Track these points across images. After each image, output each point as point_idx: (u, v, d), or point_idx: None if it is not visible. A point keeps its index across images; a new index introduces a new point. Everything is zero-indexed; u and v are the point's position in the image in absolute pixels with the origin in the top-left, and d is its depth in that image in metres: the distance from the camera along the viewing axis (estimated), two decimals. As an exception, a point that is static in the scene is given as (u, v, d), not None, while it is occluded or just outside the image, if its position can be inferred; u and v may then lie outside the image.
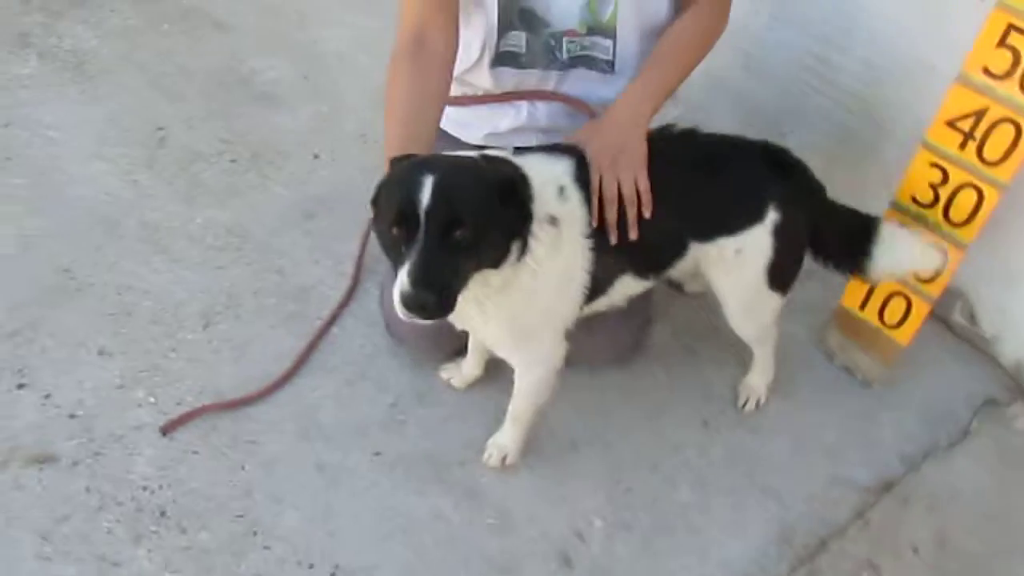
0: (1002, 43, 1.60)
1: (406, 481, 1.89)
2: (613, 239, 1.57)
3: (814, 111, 2.26)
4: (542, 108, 1.89)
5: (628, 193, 1.55)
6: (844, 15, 2.08)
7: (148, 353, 2.10)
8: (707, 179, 1.64)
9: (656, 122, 1.73)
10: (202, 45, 3.02)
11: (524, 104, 1.89)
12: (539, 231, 1.50)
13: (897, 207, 1.87)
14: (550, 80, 1.85)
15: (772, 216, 1.64)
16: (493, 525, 1.83)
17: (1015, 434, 2.04)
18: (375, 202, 1.43)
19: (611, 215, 1.56)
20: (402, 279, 1.30)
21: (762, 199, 1.64)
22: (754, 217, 1.64)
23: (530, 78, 1.84)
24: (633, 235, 1.58)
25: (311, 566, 1.75)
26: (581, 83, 1.84)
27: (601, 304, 1.73)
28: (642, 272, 1.71)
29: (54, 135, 2.66)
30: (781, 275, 1.71)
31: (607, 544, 1.81)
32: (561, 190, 1.54)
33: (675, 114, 1.98)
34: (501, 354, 1.71)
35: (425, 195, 1.30)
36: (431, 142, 1.61)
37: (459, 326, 1.67)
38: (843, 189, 2.12)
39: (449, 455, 1.94)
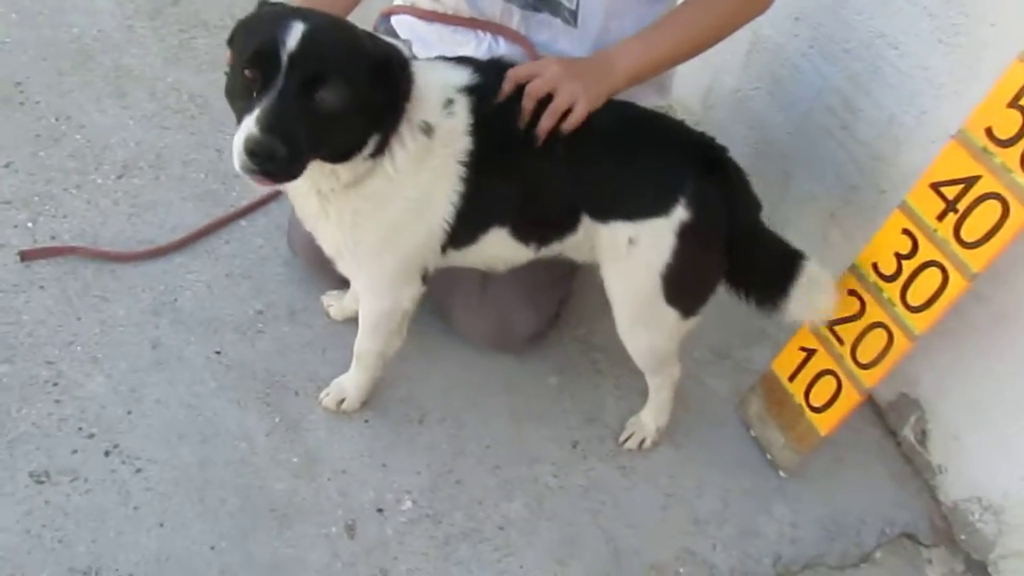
0: (1014, 103, 1.32)
1: (232, 389, 1.72)
2: (521, 125, 1.39)
3: (825, 158, 1.98)
4: (504, 46, 1.69)
5: (555, 107, 1.38)
6: (877, 54, 1.80)
7: (50, 182, 2.01)
8: (619, 153, 1.42)
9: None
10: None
11: (487, 37, 1.70)
12: (407, 136, 1.34)
13: (855, 271, 1.60)
14: (514, 16, 1.65)
15: (679, 213, 1.40)
16: (295, 465, 1.64)
17: (922, 581, 1.72)
18: (231, 41, 1.28)
19: (528, 104, 1.39)
20: (248, 125, 1.14)
21: (671, 191, 1.40)
22: (657, 208, 1.41)
23: (493, 7, 1.65)
24: (540, 141, 1.40)
25: (90, 436, 1.61)
26: (545, 30, 1.64)
27: (471, 258, 1.53)
28: (521, 232, 1.49)
29: (78, -37, 2.61)
30: (680, 287, 1.46)
31: (405, 528, 1.59)
32: (449, 102, 1.37)
33: (661, 105, 1.77)
34: (342, 269, 1.52)
35: (292, 39, 1.15)
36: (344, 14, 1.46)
37: (305, 225, 1.50)
38: (836, 252, 1.87)
39: (290, 380, 1.77)
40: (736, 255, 1.48)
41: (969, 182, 1.39)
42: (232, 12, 2.60)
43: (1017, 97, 1.32)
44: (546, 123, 1.40)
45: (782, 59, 2.09)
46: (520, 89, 1.44)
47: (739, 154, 1.54)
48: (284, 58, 1.15)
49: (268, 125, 1.13)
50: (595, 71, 1.47)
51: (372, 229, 1.40)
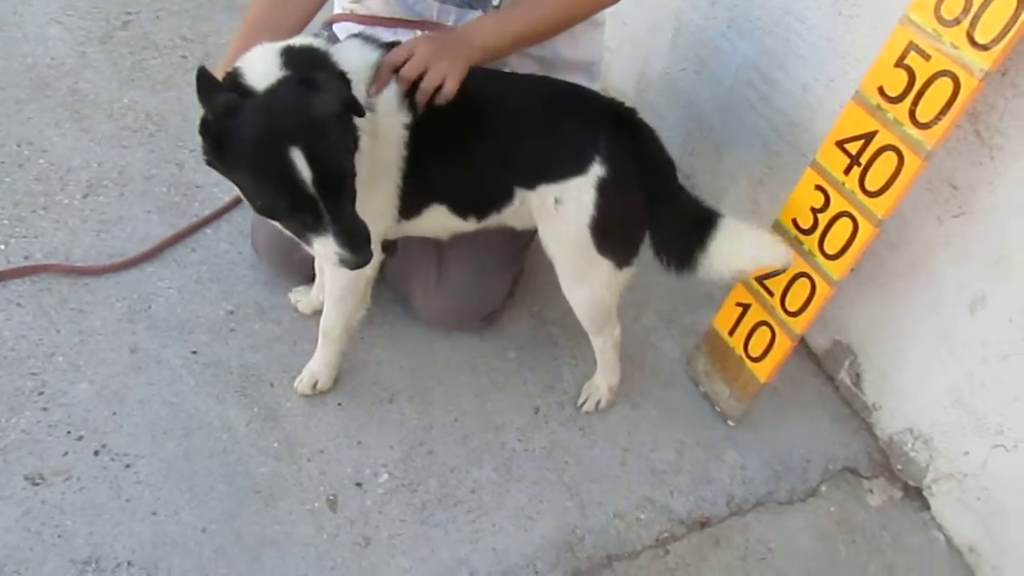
0: (900, 62, 1.47)
1: (210, 386, 1.82)
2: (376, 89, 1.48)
3: (749, 129, 2.13)
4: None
5: (427, 85, 1.47)
6: (787, 28, 1.95)
7: (18, 205, 2.09)
8: (539, 124, 1.55)
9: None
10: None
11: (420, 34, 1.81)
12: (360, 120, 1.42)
13: (778, 228, 1.74)
14: (449, 15, 1.77)
15: (596, 170, 1.53)
16: (276, 450, 1.74)
17: (864, 509, 1.86)
18: (217, 155, 1.31)
19: (403, 87, 1.48)
20: (335, 250, 1.30)
21: (587, 151, 1.53)
22: (576, 168, 1.53)
23: (429, 9, 1.77)
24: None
25: (79, 438, 1.69)
26: (475, 25, 1.75)
27: (420, 228, 1.66)
28: (459, 208, 1.63)
29: (27, -5, 2.69)
30: (608, 236, 1.58)
31: (383, 499, 1.70)
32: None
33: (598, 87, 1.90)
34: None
35: (306, 173, 1.24)
36: (287, 29, 1.55)
37: None
38: (766, 215, 2.00)
39: (264, 373, 1.87)
40: (656, 215, 1.60)
41: (868, 137, 1.54)
42: (181, 32, 2.70)
43: (902, 57, 1.46)
44: (421, 100, 1.48)
45: (704, 40, 2.24)
46: None
47: (673, 132, 1.68)
48: (313, 191, 1.25)
49: (353, 244, 1.30)
50: (456, 45, 1.54)
51: None
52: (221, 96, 1.27)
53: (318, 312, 1.96)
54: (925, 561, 1.81)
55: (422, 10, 1.80)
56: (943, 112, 1.41)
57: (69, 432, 1.70)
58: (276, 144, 1.23)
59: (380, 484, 1.73)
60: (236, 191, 2.13)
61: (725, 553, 1.75)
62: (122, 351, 1.85)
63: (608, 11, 1.77)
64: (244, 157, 1.27)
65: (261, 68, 1.33)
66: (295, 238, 1.36)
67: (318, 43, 1.45)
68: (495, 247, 1.91)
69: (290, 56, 1.37)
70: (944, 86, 1.41)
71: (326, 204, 1.27)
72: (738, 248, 1.57)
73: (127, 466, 1.67)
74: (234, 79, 1.33)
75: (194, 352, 1.88)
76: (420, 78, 1.47)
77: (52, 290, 1.93)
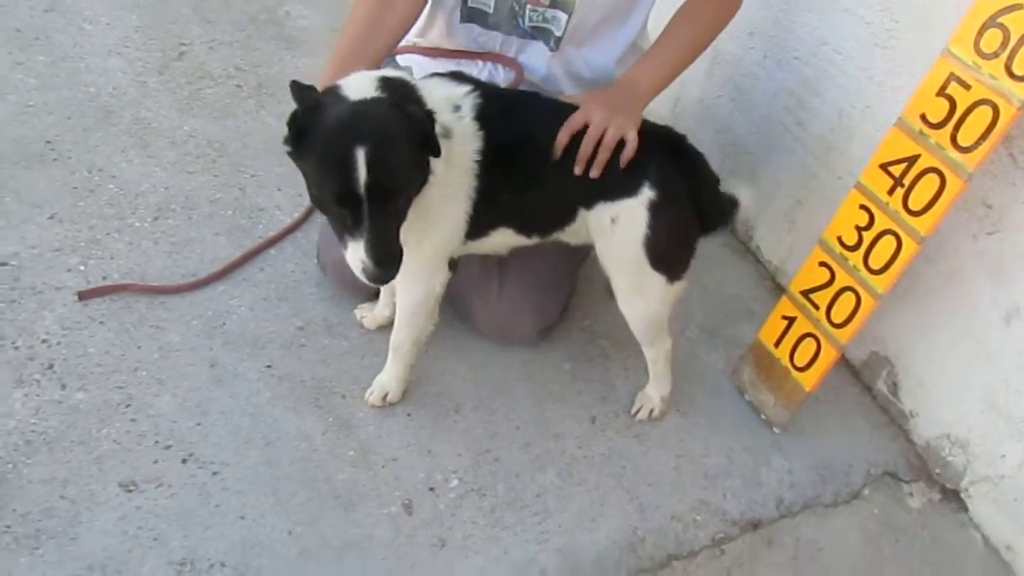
0: (942, 92, 1.59)
1: (286, 398, 1.92)
2: (579, 170, 1.64)
3: (786, 151, 2.25)
4: (502, 72, 1.94)
5: (609, 139, 1.62)
6: (824, 58, 2.08)
7: (93, 228, 2.19)
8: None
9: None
10: (249, -17, 3.18)
11: (487, 65, 1.94)
12: None
13: (823, 245, 1.85)
14: (511, 47, 1.90)
15: (646, 192, 1.65)
16: (352, 457, 1.84)
17: (905, 510, 1.97)
18: (296, 145, 1.44)
19: (587, 149, 1.63)
20: (361, 257, 1.40)
21: (639, 175, 1.65)
22: (629, 190, 1.66)
23: (494, 40, 1.90)
24: (595, 173, 1.64)
25: (167, 447, 1.79)
26: (534, 54, 1.88)
27: (484, 247, 1.77)
28: (525, 229, 1.75)
29: (87, 27, 2.83)
30: (660, 253, 1.70)
31: (455, 503, 1.80)
32: (456, 108, 1.59)
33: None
34: None
35: (361, 172, 1.34)
36: (371, 67, 1.67)
37: None
38: (804, 233, 2.13)
39: (336, 385, 1.97)
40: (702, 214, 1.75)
41: (911, 160, 1.66)
42: (234, 62, 2.82)
43: (943, 87, 1.59)
44: (603, 156, 1.64)
45: (740, 69, 2.37)
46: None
47: (710, 155, 1.79)
48: (363, 192, 1.36)
49: (380, 259, 1.40)
50: (626, 97, 1.73)
51: (416, 227, 1.59)
52: (314, 93, 1.44)
53: (383, 327, 2.08)
54: (964, 560, 1.91)
55: (485, 42, 1.92)
56: (983, 137, 1.54)
57: (157, 442, 1.80)
58: (346, 139, 1.35)
59: (451, 489, 1.83)
60: (299, 213, 2.29)
61: (777, 553, 1.85)
62: (201, 365, 1.95)
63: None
64: (317, 144, 1.39)
65: (359, 86, 1.47)
66: (329, 222, 1.47)
67: (408, 77, 1.57)
68: (552, 265, 2.02)
69: (386, 83, 1.50)
70: (984, 113, 1.53)
71: (370, 210, 1.37)
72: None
73: (214, 473, 1.77)
74: (333, 91, 1.47)
75: (268, 366, 1.98)
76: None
77: (131, 308, 2.03)
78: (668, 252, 1.73)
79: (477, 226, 1.68)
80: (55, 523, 1.62)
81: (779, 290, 2.38)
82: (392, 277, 1.44)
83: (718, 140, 2.46)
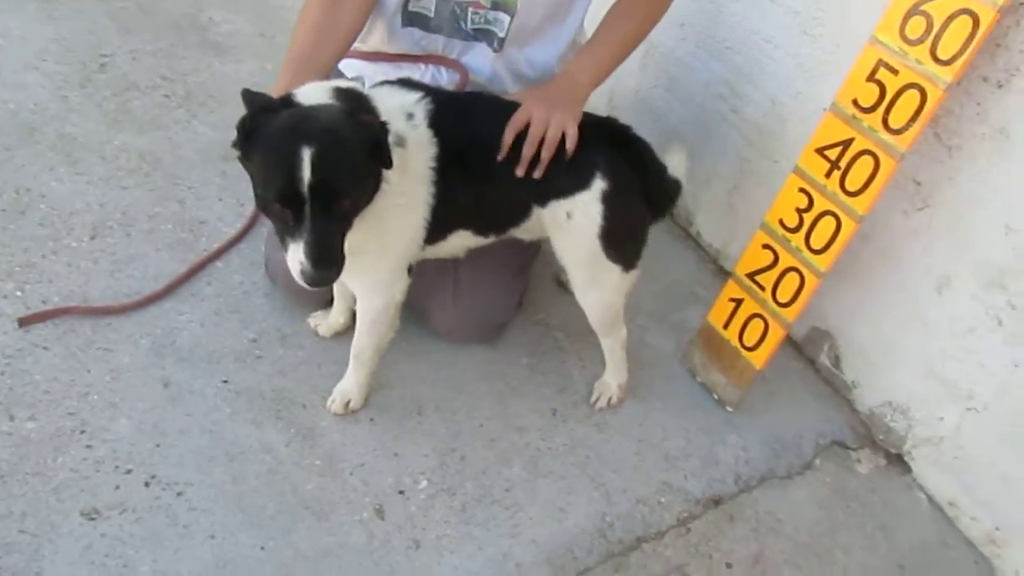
0: (871, 77, 1.67)
1: (246, 412, 1.90)
2: (521, 172, 1.66)
3: (722, 139, 2.32)
4: (445, 75, 1.95)
5: (552, 136, 1.64)
6: (754, 47, 2.16)
7: (27, 251, 2.12)
8: None
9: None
10: (168, -12, 3.10)
11: (430, 68, 1.94)
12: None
13: (765, 228, 1.92)
14: (454, 49, 1.91)
15: (598, 184, 1.69)
16: (318, 467, 1.84)
17: (855, 477, 2.06)
18: (243, 150, 1.43)
19: (529, 151, 1.64)
20: (300, 258, 1.37)
21: (589, 167, 1.69)
22: (581, 184, 1.69)
23: (435, 43, 1.90)
24: (538, 175, 1.67)
25: (128, 471, 1.75)
26: (478, 56, 1.90)
27: (441, 252, 1.78)
28: (483, 229, 1.77)
29: (0, 42, 2.71)
30: (615, 243, 1.74)
31: (426, 504, 1.81)
32: (409, 116, 1.60)
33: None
34: (343, 278, 1.73)
35: (306, 171, 1.33)
36: (323, 75, 1.67)
37: None
38: (742, 217, 2.19)
39: (295, 396, 1.96)
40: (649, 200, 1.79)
41: (846, 144, 1.73)
42: (159, 72, 2.75)
43: (872, 72, 1.67)
44: (546, 155, 1.66)
45: (674, 60, 2.43)
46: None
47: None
48: (305, 191, 1.34)
49: (317, 258, 1.36)
50: (566, 93, 1.75)
51: (375, 238, 1.60)
52: (264, 97, 1.43)
53: (338, 334, 2.07)
54: (912, 519, 2.02)
55: (427, 45, 1.92)
56: (913, 119, 1.62)
57: (117, 467, 1.76)
58: (294, 138, 1.34)
59: (421, 490, 1.84)
60: (242, 223, 2.25)
61: (739, 527, 1.92)
62: (155, 386, 1.91)
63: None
64: (264, 143, 1.38)
65: (312, 95, 1.48)
66: (272, 225, 1.45)
67: (360, 87, 1.57)
68: (505, 263, 2.05)
69: (339, 93, 1.50)
70: (912, 97, 1.61)
71: (312, 210, 1.35)
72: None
73: (179, 494, 1.74)
74: (286, 98, 1.47)
75: (225, 381, 1.95)
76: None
77: (76, 332, 1.97)
78: (623, 242, 1.77)
79: (436, 231, 1.69)
80: (16, 559, 1.57)
81: (722, 273, 2.46)
82: (329, 281, 1.41)
83: (655, 130, 2.51)
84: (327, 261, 1.38)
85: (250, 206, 2.35)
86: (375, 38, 1.93)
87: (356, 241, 1.53)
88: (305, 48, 1.68)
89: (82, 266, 2.12)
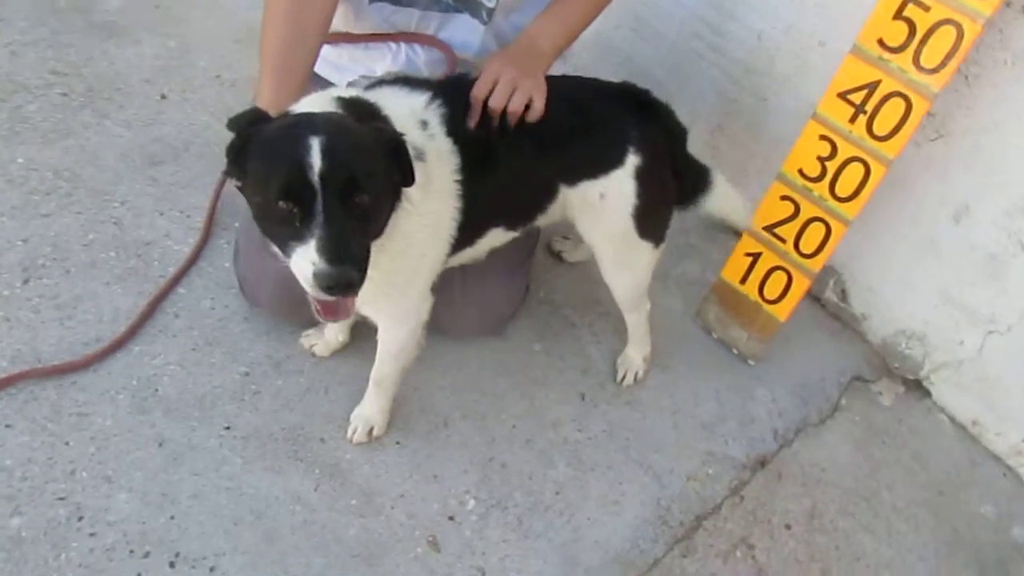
0: (899, 15, 1.57)
1: (260, 459, 1.71)
2: (472, 124, 1.47)
3: (702, 79, 2.20)
4: (421, 54, 1.73)
5: (515, 107, 1.48)
6: (738, -20, 2.02)
7: (-49, 311, 1.81)
8: (570, 125, 1.55)
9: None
10: (30, -38, 2.65)
11: (403, 47, 1.73)
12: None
13: (783, 179, 1.83)
14: (431, 23, 1.70)
15: (632, 160, 1.56)
16: (356, 507, 1.68)
17: (880, 411, 2.07)
18: (236, 167, 1.23)
19: (498, 104, 1.48)
20: (312, 258, 1.14)
21: (622, 142, 1.56)
22: (615, 161, 1.56)
23: (408, 18, 1.69)
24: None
25: (146, 555, 1.55)
26: (461, 29, 1.69)
27: (466, 256, 1.63)
28: (514, 222, 1.64)
29: None
30: (648, 221, 1.64)
31: (479, 525, 1.69)
32: (423, 124, 1.42)
33: (563, 70, 1.89)
34: (366, 311, 1.55)
35: (316, 159, 1.13)
36: (307, 73, 1.50)
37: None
38: (728, 160, 2.09)
39: (309, 430, 1.77)
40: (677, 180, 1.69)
41: (872, 87, 1.65)
42: (48, 66, 2.37)
43: (900, 9, 1.57)
44: (513, 122, 1.50)
45: (637, -2, 2.26)
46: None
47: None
48: (316, 181, 1.13)
49: (334, 257, 1.13)
50: (530, 59, 1.59)
51: (402, 268, 1.44)
52: (253, 110, 1.26)
53: (337, 352, 1.89)
54: (939, 442, 2.05)
55: (398, 20, 1.71)
56: (948, 57, 1.54)
57: (132, 551, 1.55)
58: (298, 131, 1.17)
59: (471, 511, 1.72)
60: (195, 238, 1.99)
61: (788, 484, 1.90)
62: (149, 447, 1.69)
63: None
64: (262, 146, 1.20)
65: (316, 108, 1.30)
66: (279, 253, 1.24)
67: (361, 93, 1.36)
68: (509, 251, 1.88)
69: (343, 103, 1.32)
70: (947, 33, 1.53)
71: (325, 203, 1.15)
72: (720, 206, 1.75)
73: (211, 569, 1.56)
74: (283, 116, 1.27)
75: (227, 427, 1.75)
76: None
77: (38, 399, 1.71)
78: (655, 218, 1.67)
79: (466, 238, 1.53)
80: None
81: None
82: (350, 285, 1.17)
83: (620, 73, 2.34)
84: (351, 258, 1.15)
85: (198, 217, 2.08)
86: (338, 19, 1.69)
87: (382, 273, 1.37)
88: (281, 48, 1.47)
89: (22, 317, 1.83)
